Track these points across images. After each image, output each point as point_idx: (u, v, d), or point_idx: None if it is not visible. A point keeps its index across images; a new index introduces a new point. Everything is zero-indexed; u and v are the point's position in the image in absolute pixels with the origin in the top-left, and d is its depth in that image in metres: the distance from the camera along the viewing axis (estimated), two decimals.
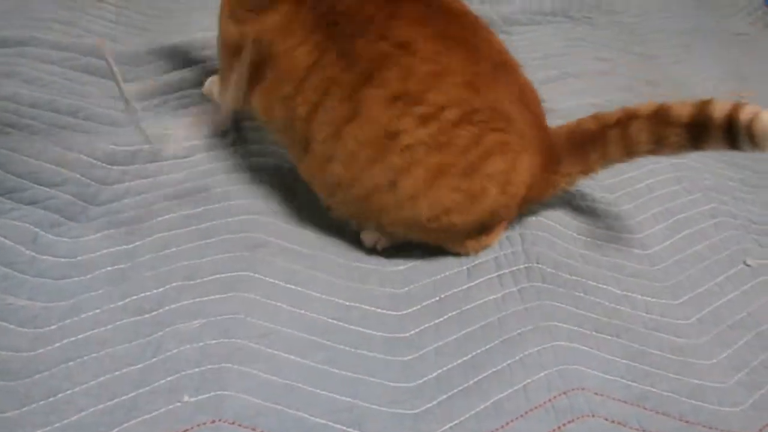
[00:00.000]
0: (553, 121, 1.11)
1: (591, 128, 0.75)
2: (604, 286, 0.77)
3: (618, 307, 0.75)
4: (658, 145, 0.71)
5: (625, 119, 0.72)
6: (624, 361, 0.68)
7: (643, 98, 1.23)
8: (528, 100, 0.74)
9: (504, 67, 0.73)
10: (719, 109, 0.66)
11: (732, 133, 0.66)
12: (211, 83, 0.94)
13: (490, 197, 0.70)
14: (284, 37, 0.69)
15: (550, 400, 0.62)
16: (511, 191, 0.72)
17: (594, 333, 0.70)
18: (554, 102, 1.15)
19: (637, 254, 0.84)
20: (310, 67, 0.67)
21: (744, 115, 0.64)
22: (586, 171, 0.77)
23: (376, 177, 0.68)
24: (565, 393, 0.63)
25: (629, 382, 0.66)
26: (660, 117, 0.70)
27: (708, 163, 1.08)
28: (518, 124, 0.71)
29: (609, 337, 0.70)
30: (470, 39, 0.71)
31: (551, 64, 1.25)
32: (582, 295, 0.75)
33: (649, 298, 0.77)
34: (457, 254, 0.78)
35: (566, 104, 1.14)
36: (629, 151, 0.74)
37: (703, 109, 0.67)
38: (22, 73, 0.94)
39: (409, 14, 0.68)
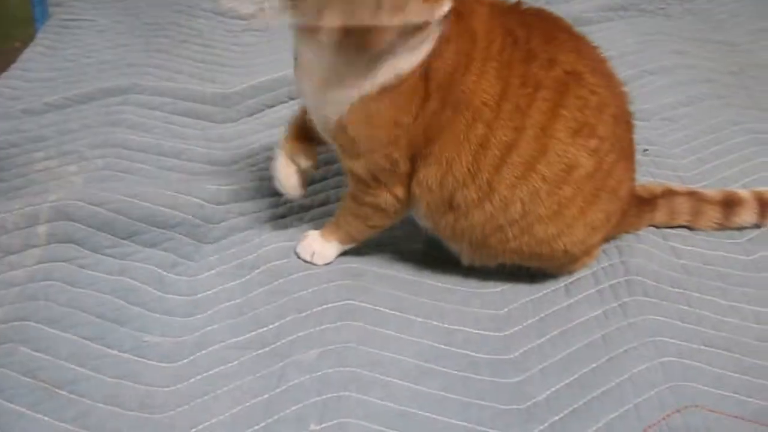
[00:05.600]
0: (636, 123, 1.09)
1: (643, 195, 0.84)
2: (710, 298, 0.76)
3: (726, 318, 0.73)
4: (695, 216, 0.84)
5: (668, 193, 0.84)
6: (737, 375, 0.67)
7: (726, 90, 1.19)
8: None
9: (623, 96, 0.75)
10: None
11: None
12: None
13: (617, 216, 0.76)
14: (462, 74, 0.64)
15: (663, 419, 0.62)
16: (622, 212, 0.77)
17: (702, 347, 0.70)
18: (635, 103, 1.12)
19: (741, 261, 0.82)
20: (499, 96, 0.65)
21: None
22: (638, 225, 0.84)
23: (543, 208, 0.69)
24: (678, 411, 0.63)
25: (744, 398, 0.65)
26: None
27: None
28: (631, 155, 0.76)
29: (719, 351, 0.69)
30: (604, 66, 0.73)
31: (628, 62, 1.22)
32: (687, 308, 0.74)
33: (758, 308, 0.75)
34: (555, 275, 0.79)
35: (647, 105, 1.11)
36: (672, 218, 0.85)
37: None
38: (127, 120, 1.02)
39: (561, 40, 0.69)
